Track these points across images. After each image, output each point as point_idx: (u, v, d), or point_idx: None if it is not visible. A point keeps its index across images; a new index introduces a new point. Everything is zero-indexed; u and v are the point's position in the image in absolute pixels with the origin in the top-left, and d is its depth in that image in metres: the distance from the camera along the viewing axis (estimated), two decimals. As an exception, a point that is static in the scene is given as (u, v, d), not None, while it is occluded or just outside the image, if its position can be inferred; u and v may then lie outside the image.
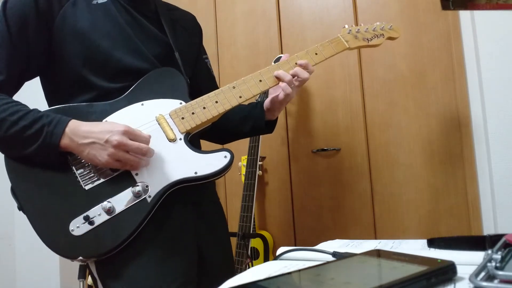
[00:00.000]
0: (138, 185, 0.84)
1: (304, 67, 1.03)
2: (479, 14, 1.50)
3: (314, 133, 1.83)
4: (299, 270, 0.46)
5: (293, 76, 1.02)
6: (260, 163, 1.74)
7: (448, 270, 0.41)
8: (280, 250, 0.64)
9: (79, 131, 0.82)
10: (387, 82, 1.71)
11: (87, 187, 0.84)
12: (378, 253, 0.50)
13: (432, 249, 0.59)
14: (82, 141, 0.81)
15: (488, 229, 1.49)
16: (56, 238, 0.82)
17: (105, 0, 0.94)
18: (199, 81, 1.14)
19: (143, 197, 0.84)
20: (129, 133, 0.83)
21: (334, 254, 0.58)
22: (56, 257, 2.15)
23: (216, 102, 0.96)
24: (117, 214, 0.83)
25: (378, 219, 1.70)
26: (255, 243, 1.80)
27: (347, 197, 1.75)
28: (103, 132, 0.82)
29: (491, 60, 1.47)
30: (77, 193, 0.84)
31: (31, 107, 0.86)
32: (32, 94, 1.05)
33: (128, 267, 0.85)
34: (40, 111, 0.84)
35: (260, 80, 1.01)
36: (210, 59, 1.24)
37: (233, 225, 1.97)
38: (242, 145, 1.89)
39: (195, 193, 0.96)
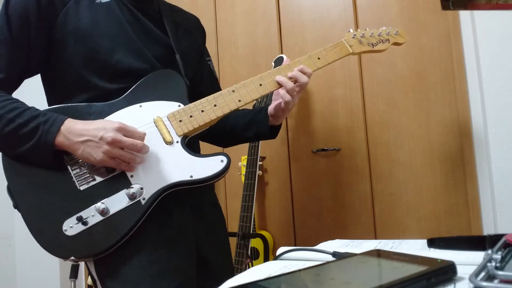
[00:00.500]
0: (132, 187, 0.84)
1: (301, 70, 1.01)
2: (479, 14, 1.50)
3: (314, 133, 1.83)
4: (299, 270, 0.46)
5: (293, 80, 1.00)
6: (260, 163, 1.74)
7: (448, 270, 0.41)
8: (280, 250, 0.64)
9: (74, 130, 0.82)
10: (387, 82, 1.71)
11: (82, 188, 0.84)
12: (378, 253, 0.50)
13: (432, 249, 0.59)
14: (77, 139, 0.82)
15: (488, 229, 1.49)
16: (49, 237, 0.82)
17: None
18: (201, 84, 1.13)
19: (137, 199, 0.84)
20: (124, 130, 0.83)
21: (334, 254, 0.58)
22: (56, 257, 2.16)
23: (215, 105, 0.95)
24: (111, 215, 0.83)
25: (378, 219, 1.70)
26: (255, 243, 1.80)
27: (347, 197, 1.75)
28: (97, 130, 0.82)
29: (491, 60, 1.47)
30: (71, 193, 0.84)
31: (31, 104, 0.86)
32: (32, 92, 1.05)
33: (127, 267, 0.85)
34: (37, 110, 0.85)
35: (260, 84, 1.00)
36: (210, 59, 1.24)
37: (233, 225, 1.97)
38: (242, 145, 1.89)
39: (194, 195, 0.95)
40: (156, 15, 1.02)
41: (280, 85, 1.01)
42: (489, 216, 1.50)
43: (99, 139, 0.81)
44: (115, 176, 0.85)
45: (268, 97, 1.61)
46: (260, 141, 1.74)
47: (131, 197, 0.84)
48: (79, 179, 0.85)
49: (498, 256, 0.42)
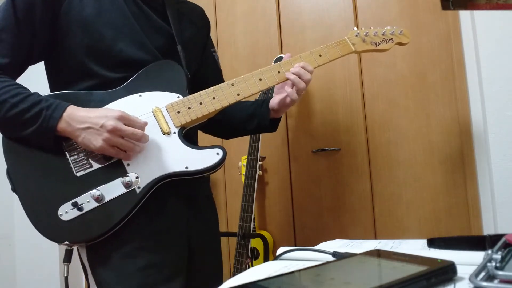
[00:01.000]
0: (128, 176, 0.86)
1: (303, 67, 1.02)
2: (479, 14, 1.50)
3: (314, 133, 1.83)
4: (299, 270, 0.46)
5: (297, 75, 1.01)
6: (260, 163, 1.74)
7: (448, 270, 0.41)
8: (280, 250, 0.64)
9: (76, 116, 0.84)
10: (387, 82, 1.71)
11: (78, 174, 0.86)
12: (378, 253, 0.50)
13: (432, 249, 0.59)
14: (79, 126, 0.83)
15: (488, 229, 1.49)
16: (44, 221, 0.84)
17: None
18: (206, 74, 1.14)
19: (133, 188, 0.86)
20: (124, 119, 0.85)
21: (334, 254, 0.58)
22: (56, 257, 2.16)
23: (214, 98, 0.96)
24: (106, 202, 0.84)
25: (378, 219, 1.70)
26: (255, 243, 1.80)
27: (347, 197, 1.75)
28: (98, 117, 0.83)
29: (491, 60, 1.46)
30: (68, 179, 0.85)
31: (33, 90, 0.88)
32: (35, 79, 1.07)
33: (118, 256, 0.86)
34: (40, 95, 0.86)
35: (260, 79, 1.00)
36: (210, 59, 1.24)
37: (233, 225, 1.97)
38: (242, 145, 1.89)
39: (189, 186, 0.97)
40: (160, 7, 1.03)
41: (281, 80, 1.02)
42: (489, 216, 1.50)
43: (100, 126, 0.82)
44: (112, 164, 0.87)
45: (270, 91, 1.62)
46: (260, 141, 1.74)
47: (127, 185, 0.85)
48: (76, 165, 0.86)
49: (498, 256, 0.42)
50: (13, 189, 0.87)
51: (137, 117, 0.89)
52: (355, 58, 1.76)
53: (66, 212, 0.83)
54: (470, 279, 0.38)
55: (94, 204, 0.84)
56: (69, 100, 0.87)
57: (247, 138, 1.77)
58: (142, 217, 0.87)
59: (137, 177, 0.86)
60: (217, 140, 1.62)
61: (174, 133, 0.91)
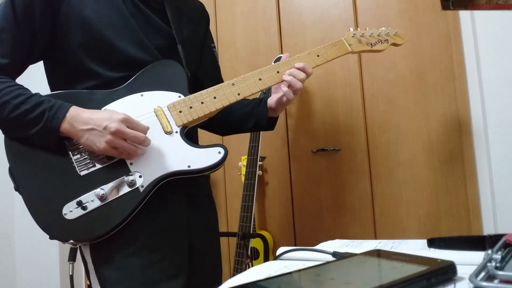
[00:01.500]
0: (131, 175, 0.86)
1: (302, 69, 1.03)
2: (479, 14, 1.50)
3: (314, 133, 1.83)
4: (299, 270, 0.46)
5: (293, 76, 1.02)
6: (260, 163, 1.74)
7: (448, 270, 0.41)
8: (280, 250, 0.64)
9: (79, 118, 0.84)
10: (387, 82, 1.71)
11: (82, 173, 0.86)
12: (378, 253, 0.50)
13: (432, 249, 0.59)
14: (82, 127, 0.84)
15: (488, 229, 1.49)
16: (49, 221, 0.84)
17: None
18: (205, 69, 1.15)
19: (136, 186, 0.86)
20: (128, 121, 0.85)
21: (334, 254, 0.58)
22: (56, 257, 2.16)
23: (215, 98, 0.97)
24: (110, 201, 0.85)
25: (378, 219, 1.70)
26: (255, 243, 1.80)
27: (347, 197, 1.75)
28: (102, 119, 0.83)
29: (491, 60, 1.46)
30: (72, 178, 0.86)
31: (33, 90, 0.88)
32: (34, 78, 1.07)
33: (122, 253, 0.86)
34: (42, 96, 0.87)
35: (260, 79, 1.01)
36: (210, 59, 1.24)
37: (233, 225, 1.97)
38: (242, 145, 1.89)
39: (191, 185, 0.97)
40: (158, 6, 1.03)
41: (280, 80, 1.02)
42: (489, 216, 1.50)
43: (103, 128, 0.83)
44: (115, 163, 0.87)
45: (269, 90, 1.62)
46: (260, 141, 1.74)
47: (130, 184, 0.86)
48: (80, 164, 0.87)
49: (498, 256, 0.42)
50: (16, 188, 0.87)
51: (138, 116, 0.90)
52: (355, 58, 1.76)
53: (71, 211, 0.84)
54: (470, 279, 0.38)
55: (98, 203, 0.84)
56: (70, 99, 0.87)
57: (247, 138, 1.77)
58: (144, 215, 0.87)
59: (140, 176, 0.87)
60: (217, 139, 1.62)
61: (176, 132, 0.92)
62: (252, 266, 1.61)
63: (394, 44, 1.18)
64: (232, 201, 2.02)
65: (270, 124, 1.14)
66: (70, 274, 0.94)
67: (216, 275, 1.08)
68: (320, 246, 0.68)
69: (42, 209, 0.84)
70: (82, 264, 0.93)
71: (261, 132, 1.72)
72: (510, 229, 1.07)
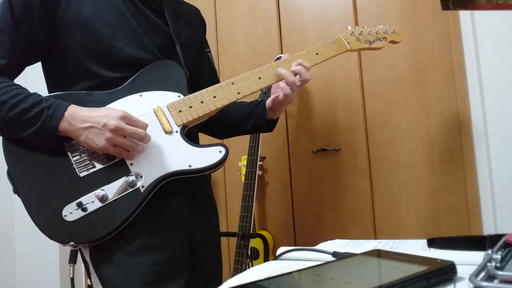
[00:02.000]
0: (132, 175, 0.86)
1: (300, 64, 1.03)
2: (479, 14, 1.50)
3: (314, 133, 1.83)
4: (299, 270, 0.46)
5: (296, 74, 1.02)
6: (260, 163, 1.74)
7: (448, 270, 0.41)
8: (280, 250, 0.64)
9: (78, 116, 0.84)
10: (387, 82, 1.71)
11: (82, 174, 0.86)
12: (378, 253, 0.50)
13: (432, 249, 0.59)
14: (81, 125, 0.83)
15: (488, 229, 1.49)
16: (49, 223, 0.83)
17: None
18: (200, 74, 1.15)
19: (137, 187, 0.86)
20: (127, 118, 0.85)
21: (334, 254, 0.58)
22: (56, 257, 2.16)
23: (214, 97, 0.97)
24: (110, 202, 0.84)
25: (378, 219, 1.70)
26: (255, 243, 1.80)
27: (347, 197, 1.75)
28: (101, 117, 0.83)
29: (491, 60, 1.46)
30: (72, 179, 0.85)
31: (32, 90, 0.87)
32: (33, 78, 1.07)
33: (122, 253, 0.86)
34: (40, 95, 0.86)
35: (259, 78, 1.02)
36: (210, 59, 1.24)
37: (233, 225, 1.97)
38: (242, 145, 1.89)
39: (191, 185, 0.97)
40: (157, 7, 1.03)
41: (280, 79, 1.02)
42: (489, 216, 1.49)
43: (102, 126, 0.82)
44: (115, 164, 0.87)
45: (268, 93, 1.62)
46: (260, 141, 1.74)
47: (131, 184, 0.85)
48: (79, 165, 0.86)
49: (498, 256, 0.42)
50: (15, 191, 0.86)
51: (138, 116, 0.89)
52: (355, 58, 1.76)
53: (71, 212, 0.83)
54: (470, 279, 0.38)
55: (99, 204, 0.84)
56: (69, 101, 0.87)
57: (247, 138, 1.77)
58: (145, 215, 0.87)
59: (141, 176, 0.86)
60: (217, 139, 1.62)
61: (176, 132, 0.92)
62: (252, 266, 1.61)
63: (392, 42, 1.18)
64: (232, 201, 2.02)
65: (269, 125, 1.14)
66: (71, 276, 0.93)
67: (217, 275, 1.08)
68: (320, 246, 0.68)
69: (42, 211, 0.84)
70: (83, 264, 0.93)
71: (261, 132, 1.72)
72: (510, 229, 1.07)
